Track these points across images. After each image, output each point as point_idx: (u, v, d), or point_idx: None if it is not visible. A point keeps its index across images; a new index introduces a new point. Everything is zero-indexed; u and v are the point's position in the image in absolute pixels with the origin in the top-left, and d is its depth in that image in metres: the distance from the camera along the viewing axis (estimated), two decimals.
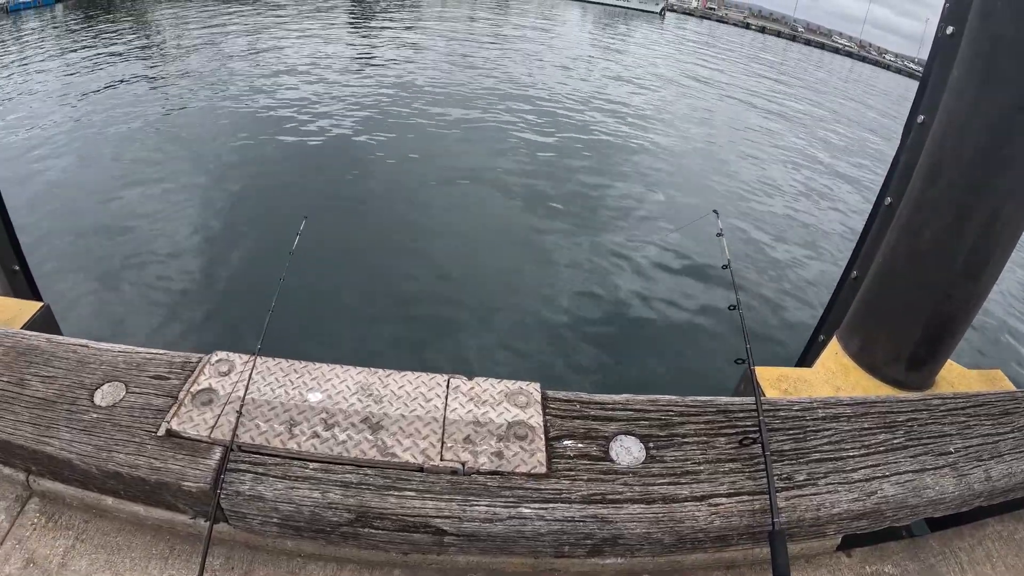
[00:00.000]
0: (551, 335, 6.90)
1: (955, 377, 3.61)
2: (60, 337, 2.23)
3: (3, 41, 23.79)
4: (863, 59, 75.84)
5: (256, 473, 1.57)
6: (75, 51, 22.75)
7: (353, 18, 38.22)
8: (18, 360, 2.08)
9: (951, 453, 2.10)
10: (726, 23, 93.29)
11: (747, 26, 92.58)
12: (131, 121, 14.05)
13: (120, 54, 22.37)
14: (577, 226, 10.02)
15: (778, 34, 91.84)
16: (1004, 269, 3.31)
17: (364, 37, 30.90)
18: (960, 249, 3.08)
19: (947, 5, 3.31)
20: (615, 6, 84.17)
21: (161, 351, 2.00)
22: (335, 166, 11.58)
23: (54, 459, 1.77)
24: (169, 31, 29.21)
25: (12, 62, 20.02)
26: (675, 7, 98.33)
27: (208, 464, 1.60)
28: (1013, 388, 3.48)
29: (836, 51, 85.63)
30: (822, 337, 4.20)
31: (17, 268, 4.33)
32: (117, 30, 28.30)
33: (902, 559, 2.10)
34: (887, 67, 77.01)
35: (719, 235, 2.49)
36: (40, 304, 3.45)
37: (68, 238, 7.88)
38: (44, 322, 3.38)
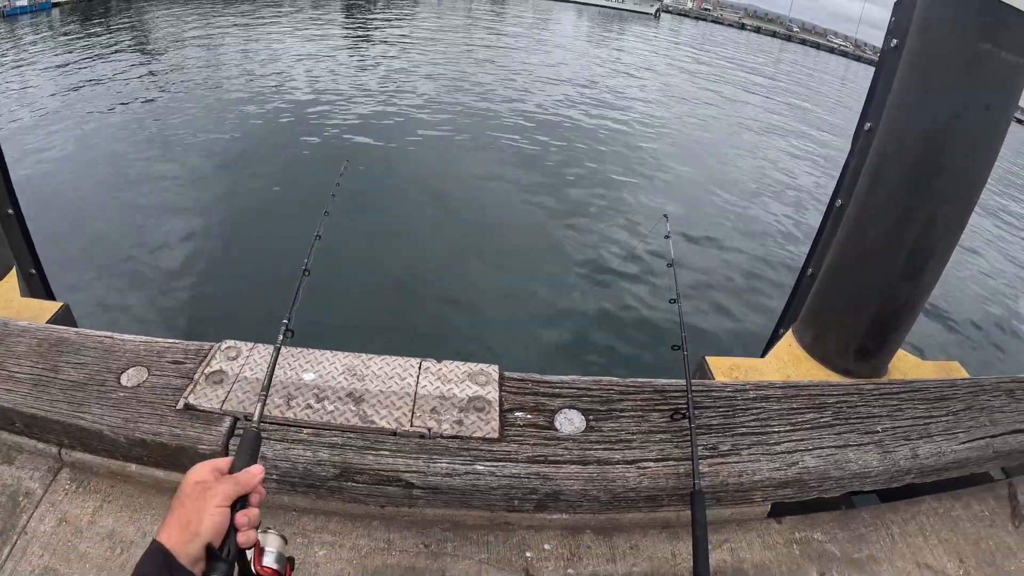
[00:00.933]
0: (516, 325, 7.53)
1: (909, 368, 3.90)
2: (87, 330, 2.55)
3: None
4: (858, 59, 76.05)
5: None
6: (72, 54, 23.00)
7: (349, 21, 38.50)
8: (50, 350, 2.40)
9: (878, 432, 2.37)
10: (721, 24, 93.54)
11: (742, 27, 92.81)
12: (129, 124, 14.34)
13: (117, 58, 22.61)
14: (547, 222, 10.56)
15: (773, 34, 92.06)
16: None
17: (360, 39, 31.19)
18: (902, 249, 3.36)
19: (892, 19, 3.55)
20: (609, 8, 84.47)
21: (178, 340, 2.33)
22: (331, 164, 11.97)
23: (87, 431, 2.09)
24: (166, 35, 29.49)
25: (9, 67, 20.25)
26: (670, 8, 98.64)
27: (220, 431, 1.93)
28: (964, 377, 3.73)
29: (831, 51, 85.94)
30: (781, 331, 4.50)
31: (34, 271, 4.62)
32: (114, 35, 28.55)
33: (832, 528, 2.32)
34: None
35: (667, 237, 2.79)
36: (60, 304, 3.77)
37: (75, 241, 8.21)
38: (64, 320, 3.69)
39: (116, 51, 23.94)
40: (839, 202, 4.02)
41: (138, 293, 7.34)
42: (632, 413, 2.17)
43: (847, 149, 3.98)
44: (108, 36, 27.76)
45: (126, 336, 2.43)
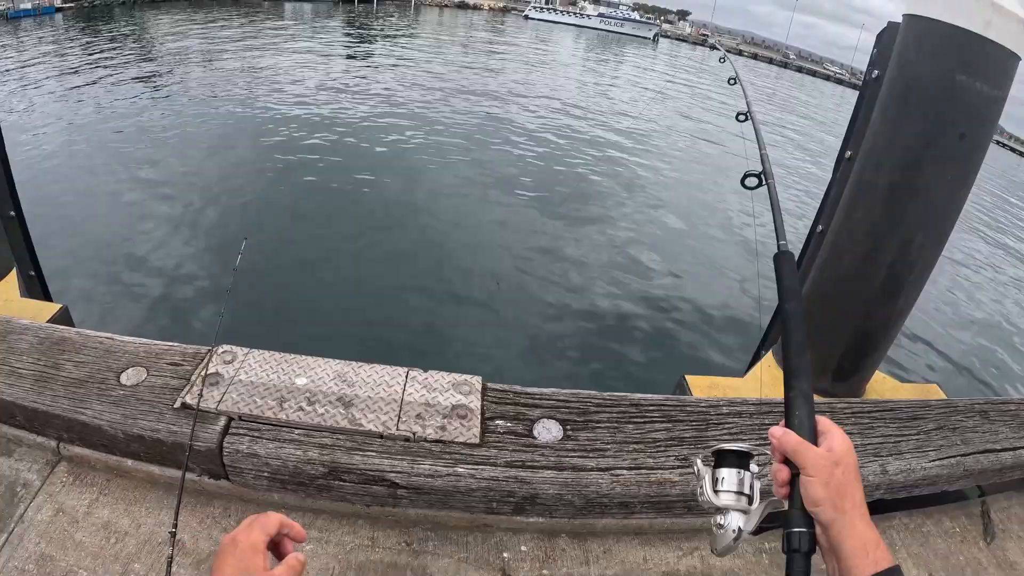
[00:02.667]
0: (501, 334, 7.79)
1: (887, 389, 4.02)
2: (88, 330, 2.66)
3: (3, 47, 24.20)
4: (854, 87, 77.07)
5: (253, 436, 2.01)
6: (73, 58, 23.21)
7: (350, 36, 38.90)
8: (52, 348, 2.50)
9: None
10: (718, 50, 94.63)
11: (740, 53, 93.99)
12: (129, 130, 14.48)
13: (118, 63, 22.81)
14: (543, 235, 10.77)
15: (770, 61, 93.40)
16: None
17: (360, 54, 31.52)
18: (878, 273, 3.48)
19: (874, 51, 3.70)
20: (608, 31, 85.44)
21: (176, 344, 2.44)
22: (321, 174, 12.27)
23: (87, 426, 2.18)
24: (167, 42, 29.75)
25: (12, 69, 20.39)
26: (668, 33, 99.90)
27: (215, 429, 2.03)
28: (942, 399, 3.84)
29: (827, 78, 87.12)
30: (763, 352, 4.62)
31: (33, 273, 4.71)
32: (116, 40, 28.81)
33: None
34: None
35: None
36: (59, 306, 3.87)
37: (71, 244, 8.33)
38: (63, 321, 3.79)
39: (117, 56, 24.15)
40: (820, 227, 4.15)
41: (133, 297, 7.47)
42: (608, 424, 2.28)
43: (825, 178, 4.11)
44: (109, 42, 27.99)
45: (126, 338, 2.53)
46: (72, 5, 38.47)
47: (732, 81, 4.21)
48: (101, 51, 25.38)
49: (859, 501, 0.95)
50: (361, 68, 27.31)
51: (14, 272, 4.37)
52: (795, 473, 0.99)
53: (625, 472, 2.11)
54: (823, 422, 1.04)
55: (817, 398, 3.30)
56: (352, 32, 41.02)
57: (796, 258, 3.80)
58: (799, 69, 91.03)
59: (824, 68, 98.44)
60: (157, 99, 17.88)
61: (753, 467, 1.07)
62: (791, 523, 0.97)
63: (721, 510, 1.05)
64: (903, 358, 8.50)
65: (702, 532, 2.37)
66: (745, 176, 1.91)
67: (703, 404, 2.58)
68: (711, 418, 2.50)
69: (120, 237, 8.96)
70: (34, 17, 34.03)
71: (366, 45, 36.09)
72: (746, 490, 1.05)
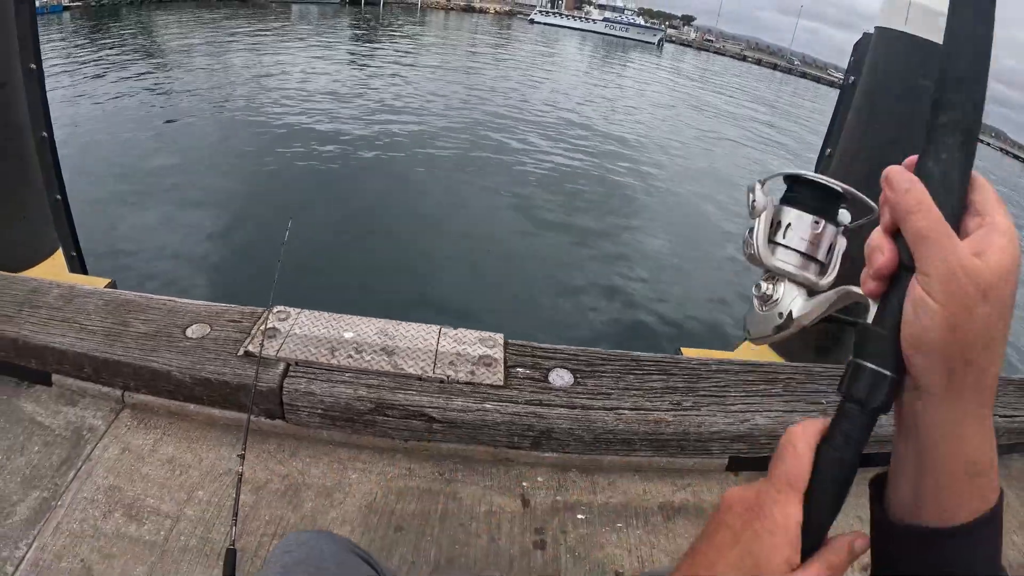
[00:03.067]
0: (521, 301, 8.76)
1: None
2: (150, 294, 2.98)
3: None
4: None
5: (309, 378, 2.35)
6: (82, 56, 23.60)
7: (358, 39, 39.30)
8: (118, 309, 2.81)
9: (822, 404, 2.80)
10: (724, 55, 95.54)
11: (744, 58, 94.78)
12: (136, 125, 14.90)
13: (125, 59, 23.21)
14: (555, 221, 11.31)
15: (774, 67, 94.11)
16: None
17: (367, 57, 31.92)
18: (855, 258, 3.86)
19: (851, 59, 4.10)
20: (613, 36, 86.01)
21: (234, 304, 2.78)
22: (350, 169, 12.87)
23: (157, 372, 2.48)
24: (174, 41, 30.13)
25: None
26: (673, 39, 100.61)
27: (276, 372, 2.37)
28: None
29: (831, 84, 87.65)
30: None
31: (75, 254, 5.06)
32: (123, 38, 29.21)
33: None
34: None
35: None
36: (108, 279, 4.22)
37: (106, 229, 8.79)
38: None
39: (123, 53, 24.53)
40: None
41: (172, 275, 7.95)
42: (612, 375, 2.61)
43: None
44: (115, 41, 28.40)
45: (187, 300, 2.86)
46: (79, 4, 38.88)
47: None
48: (108, 48, 25.76)
49: (991, 380, 0.54)
50: (374, 67, 27.78)
51: (59, 251, 4.71)
52: (905, 267, 0.56)
53: (627, 411, 2.45)
54: (986, 195, 0.56)
55: (794, 364, 3.64)
56: (359, 34, 41.47)
57: None
58: (803, 75, 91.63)
59: (828, 74, 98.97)
60: (160, 98, 18.28)
61: (843, 217, 0.71)
62: (865, 350, 0.60)
63: (772, 274, 0.71)
64: None
65: (694, 472, 2.70)
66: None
67: (695, 362, 2.91)
68: (701, 373, 2.82)
69: (159, 222, 9.49)
70: (42, 16, 34.49)
71: (374, 46, 36.55)
72: (820, 255, 0.70)
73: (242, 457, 2.10)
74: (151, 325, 2.69)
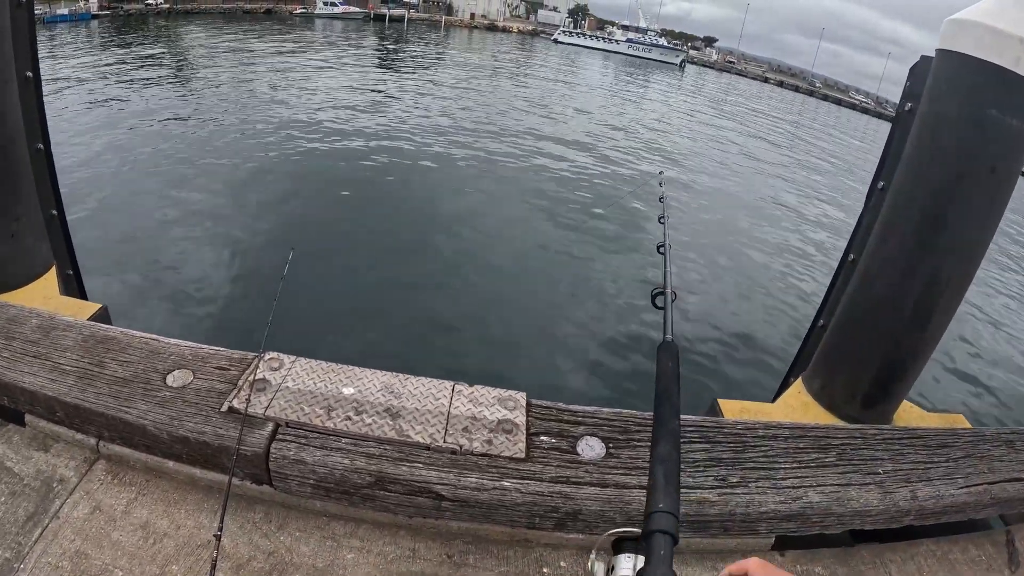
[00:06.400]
0: (545, 354, 7.96)
1: (913, 418, 4.00)
2: (132, 331, 2.69)
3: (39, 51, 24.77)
4: (879, 115, 76.92)
5: (300, 443, 2.03)
6: (108, 64, 23.73)
7: (380, 55, 39.45)
8: (96, 346, 2.53)
9: (879, 474, 2.47)
10: (745, 77, 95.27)
11: (765, 80, 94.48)
12: (159, 134, 14.81)
13: (152, 69, 23.32)
14: (581, 256, 10.90)
15: (796, 89, 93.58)
16: None
17: (391, 72, 31.95)
18: (908, 301, 3.49)
19: (908, 83, 3.75)
20: (636, 56, 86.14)
21: (222, 348, 2.47)
22: (359, 193, 12.50)
23: (131, 425, 2.20)
24: (198, 50, 30.33)
25: (45, 73, 20.83)
26: (695, 60, 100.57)
27: (263, 434, 2.05)
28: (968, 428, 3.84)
29: (853, 107, 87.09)
30: (792, 379, 4.61)
31: (71, 272, 4.79)
32: (150, 47, 29.44)
33: (832, 563, 2.43)
34: None
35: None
36: (98, 305, 3.93)
37: (110, 247, 8.53)
38: (103, 321, 3.83)
39: (149, 64, 24.65)
40: (851, 256, 4.16)
41: (170, 300, 7.63)
42: (648, 444, 2.28)
43: (857, 208, 4.16)
44: (141, 50, 28.61)
45: (171, 340, 2.56)
46: (108, 13, 39.46)
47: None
48: (134, 58, 25.95)
49: None
50: (398, 85, 27.73)
51: (53, 270, 4.44)
52: None
53: None
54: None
55: (846, 425, 3.29)
56: (381, 52, 41.59)
57: (827, 286, 3.82)
58: (825, 97, 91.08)
59: (849, 97, 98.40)
60: (188, 105, 18.25)
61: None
62: None
63: None
64: (928, 387, 8.46)
65: (736, 553, 2.37)
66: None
67: (739, 426, 2.58)
68: (747, 440, 2.50)
69: (154, 241, 9.18)
70: (70, 23, 34.94)
71: (399, 63, 36.59)
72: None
73: (218, 538, 1.79)
74: (129, 368, 2.40)
